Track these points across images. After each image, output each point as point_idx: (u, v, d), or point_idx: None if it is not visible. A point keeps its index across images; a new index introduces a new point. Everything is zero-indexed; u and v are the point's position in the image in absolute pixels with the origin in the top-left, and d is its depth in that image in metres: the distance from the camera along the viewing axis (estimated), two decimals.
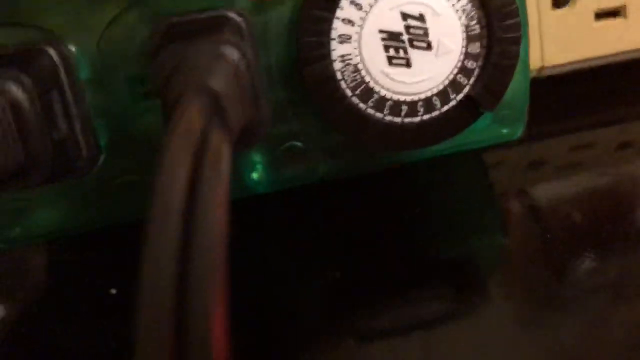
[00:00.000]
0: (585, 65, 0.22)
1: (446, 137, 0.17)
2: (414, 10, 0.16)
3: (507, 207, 0.21)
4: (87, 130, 0.16)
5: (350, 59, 0.16)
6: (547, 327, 0.16)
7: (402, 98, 0.17)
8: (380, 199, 0.21)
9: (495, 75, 0.17)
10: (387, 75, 0.16)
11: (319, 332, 0.17)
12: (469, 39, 0.16)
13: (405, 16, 0.16)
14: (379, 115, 0.17)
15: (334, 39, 0.16)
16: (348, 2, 0.16)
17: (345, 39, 0.16)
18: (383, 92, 0.17)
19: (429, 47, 0.16)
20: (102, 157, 0.17)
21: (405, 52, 0.16)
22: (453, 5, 0.16)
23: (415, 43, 0.16)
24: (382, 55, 0.16)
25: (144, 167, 0.17)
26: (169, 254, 0.09)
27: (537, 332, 0.16)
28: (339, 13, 0.16)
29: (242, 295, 0.12)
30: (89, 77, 0.16)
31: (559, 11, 0.21)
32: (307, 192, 0.20)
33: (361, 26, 0.16)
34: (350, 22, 0.16)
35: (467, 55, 0.17)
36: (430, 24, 0.16)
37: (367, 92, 0.16)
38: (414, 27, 0.16)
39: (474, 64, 0.17)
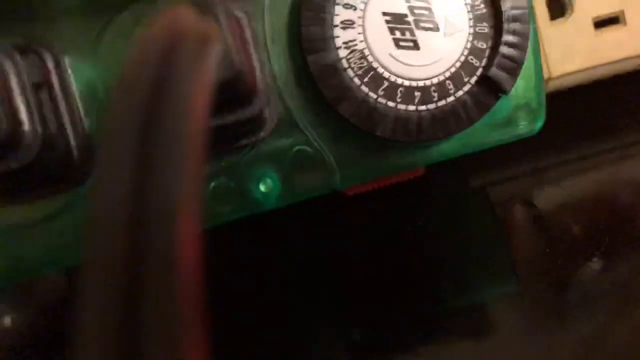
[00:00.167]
0: (591, 74, 0.21)
1: (465, 125, 0.16)
2: None
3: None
4: (79, 134, 0.14)
5: (356, 45, 0.15)
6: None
7: (413, 83, 0.16)
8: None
9: (508, 55, 0.16)
10: (395, 58, 0.16)
11: None
12: (476, 18, 0.16)
13: None
14: (391, 103, 0.16)
15: (336, 26, 0.15)
16: None
17: (348, 24, 0.15)
18: (393, 78, 0.16)
19: (435, 27, 0.16)
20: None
21: (412, 33, 0.16)
22: None
23: (421, 24, 0.16)
24: (389, 39, 0.16)
25: None
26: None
27: None
28: None
29: None
30: (83, 86, 0.15)
31: (558, 23, 0.21)
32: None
33: (363, 10, 0.15)
34: (351, 6, 0.15)
35: (476, 36, 0.16)
36: (434, 3, 0.16)
37: (377, 79, 0.16)
38: (418, 7, 0.16)
39: (484, 45, 0.16)
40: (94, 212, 0.07)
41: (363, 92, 0.16)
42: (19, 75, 0.12)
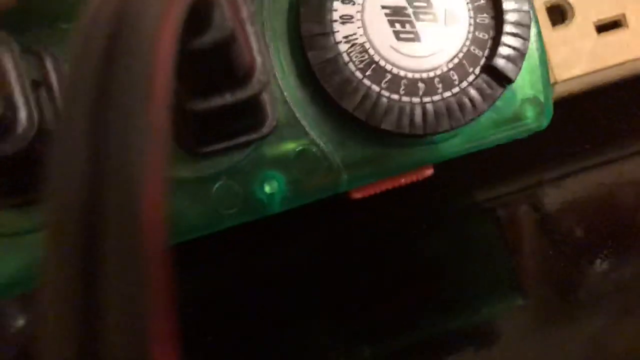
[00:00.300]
0: (597, 78, 0.21)
1: (472, 116, 0.16)
2: None
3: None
4: None
5: (356, 39, 0.15)
6: None
7: (417, 75, 0.16)
8: None
9: (510, 44, 0.16)
10: (397, 50, 0.15)
11: None
12: (476, 9, 0.16)
13: None
14: (395, 96, 0.15)
15: (335, 21, 0.15)
16: None
17: (347, 19, 0.15)
18: (395, 70, 0.15)
19: (435, 19, 0.16)
20: None
21: (412, 25, 0.16)
22: None
23: (420, 16, 0.16)
24: (389, 31, 0.15)
25: None
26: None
27: None
28: None
29: None
30: None
31: (559, 28, 0.21)
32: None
33: (362, 4, 0.15)
34: (350, 1, 0.15)
35: (477, 26, 0.16)
36: None
37: (379, 72, 0.15)
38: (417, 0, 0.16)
39: (486, 35, 0.16)
40: (49, 174, 0.07)
41: (365, 85, 0.15)
42: (16, 65, 0.12)
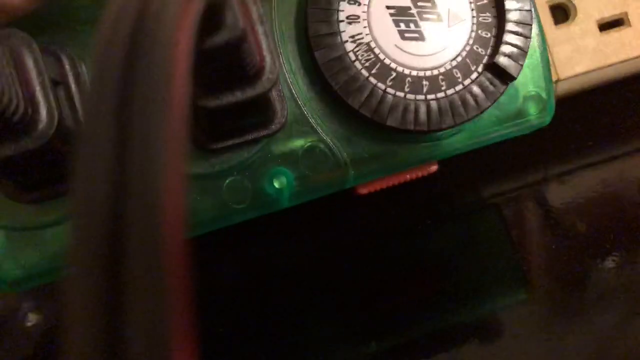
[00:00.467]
0: (600, 76, 0.21)
1: (476, 113, 0.16)
2: None
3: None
4: None
5: (362, 38, 0.16)
6: None
7: (421, 73, 0.16)
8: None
9: (512, 42, 0.16)
10: (401, 49, 0.16)
11: None
12: (479, 9, 0.16)
13: None
14: (400, 93, 0.16)
15: (342, 21, 0.16)
16: None
17: (353, 19, 0.16)
18: (400, 69, 0.16)
19: (439, 18, 0.16)
20: None
21: (417, 25, 0.16)
22: None
23: (424, 15, 0.16)
24: (394, 31, 0.16)
25: None
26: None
27: None
28: None
29: None
30: None
31: (562, 27, 0.21)
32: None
33: (368, 5, 0.16)
34: (356, 2, 0.16)
35: (480, 25, 0.16)
36: None
37: (384, 70, 0.16)
38: (420, 0, 0.16)
39: (489, 34, 0.16)
40: (74, 189, 0.07)
41: (372, 83, 0.16)
42: (36, 63, 0.13)
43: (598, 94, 0.22)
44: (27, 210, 0.15)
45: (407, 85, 0.16)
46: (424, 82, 0.16)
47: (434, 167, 0.18)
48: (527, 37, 0.16)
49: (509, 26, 0.16)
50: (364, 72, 0.16)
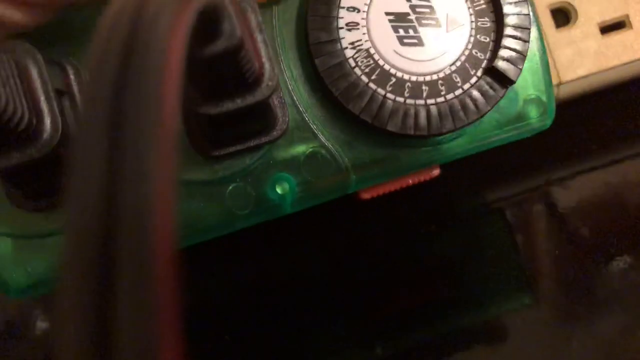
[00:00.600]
0: (602, 79, 0.21)
1: (475, 117, 0.16)
2: None
3: None
4: None
5: (361, 45, 0.16)
6: None
7: (420, 78, 0.16)
8: None
9: (511, 46, 0.16)
10: (401, 55, 0.16)
11: None
12: (477, 13, 0.16)
13: None
14: (400, 99, 0.16)
15: (341, 28, 0.16)
16: None
17: (353, 26, 0.16)
18: (400, 74, 0.16)
19: (437, 23, 0.16)
20: None
21: (415, 30, 0.16)
22: None
23: (423, 21, 0.16)
24: (393, 37, 0.16)
25: None
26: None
27: None
28: (343, 2, 0.16)
29: None
30: None
31: (563, 30, 0.21)
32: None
33: (366, 11, 0.16)
34: (355, 9, 0.16)
35: (479, 30, 0.16)
36: (434, 1, 0.16)
37: (384, 76, 0.16)
38: (419, 6, 0.16)
39: (487, 38, 0.16)
40: (67, 202, 0.08)
41: (371, 89, 0.16)
42: (41, 74, 0.13)
43: (601, 97, 0.22)
44: (33, 218, 0.15)
45: (406, 90, 0.16)
46: (424, 87, 0.16)
47: (437, 172, 0.18)
48: (526, 41, 0.16)
49: (508, 30, 0.16)
50: (364, 78, 0.16)
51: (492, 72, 0.16)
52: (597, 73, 0.21)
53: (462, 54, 0.16)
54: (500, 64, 0.16)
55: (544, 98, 0.17)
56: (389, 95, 0.16)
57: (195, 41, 0.11)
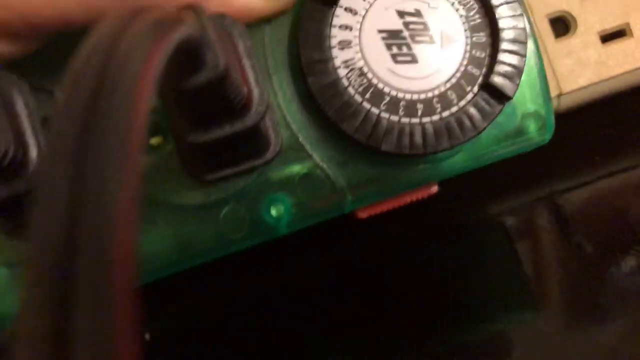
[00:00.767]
0: (603, 88, 0.21)
1: (472, 134, 0.16)
2: (409, 7, 0.16)
3: None
4: None
5: (354, 63, 0.16)
6: None
7: (415, 96, 0.16)
8: None
9: (507, 61, 0.16)
10: (394, 73, 0.16)
11: None
12: (472, 29, 0.16)
13: (401, 14, 0.16)
14: (394, 117, 0.16)
15: (334, 47, 0.16)
16: (343, 9, 0.16)
17: (345, 44, 0.16)
18: (394, 92, 0.16)
19: (431, 40, 0.16)
20: None
21: (409, 48, 0.16)
22: None
23: (417, 38, 0.16)
24: (386, 55, 0.16)
25: None
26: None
27: None
28: (335, 21, 0.16)
29: None
30: None
31: (563, 40, 0.21)
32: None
33: (359, 30, 0.16)
34: (347, 27, 0.16)
35: (474, 46, 0.16)
36: (428, 17, 0.16)
37: (378, 95, 0.16)
38: (412, 22, 0.16)
39: (483, 54, 0.16)
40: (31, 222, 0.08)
41: (365, 108, 0.16)
42: (27, 106, 0.13)
43: (602, 107, 0.21)
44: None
45: (401, 108, 0.16)
46: (419, 105, 0.16)
47: (435, 189, 0.18)
48: (522, 55, 0.16)
49: (504, 45, 0.16)
50: (358, 97, 0.16)
51: (489, 88, 0.16)
52: (598, 83, 0.21)
53: (458, 70, 0.16)
54: (497, 80, 0.16)
55: (542, 112, 0.17)
56: (383, 114, 0.16)
57: (178, 72, 0.11)
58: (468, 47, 0.16)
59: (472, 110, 0.16)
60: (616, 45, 0.21)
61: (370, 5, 0.16)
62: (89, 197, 0.07)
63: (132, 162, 0.07)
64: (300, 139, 0.16)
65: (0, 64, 0.13)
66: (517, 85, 0.16)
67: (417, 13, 0.16)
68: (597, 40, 0.21)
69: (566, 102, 0.21)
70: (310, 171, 0.16)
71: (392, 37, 0.16)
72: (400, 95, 0.16)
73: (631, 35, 0.21)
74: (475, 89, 0.16)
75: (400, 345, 0.18)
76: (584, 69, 0.21)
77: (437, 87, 0.16)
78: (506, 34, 0.16)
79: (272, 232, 0.16)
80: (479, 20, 0.16)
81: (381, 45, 0.16)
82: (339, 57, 0.16)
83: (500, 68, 0.16)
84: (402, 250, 0.20)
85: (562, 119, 0.19)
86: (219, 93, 0.12)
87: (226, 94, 0.12)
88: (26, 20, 0.13)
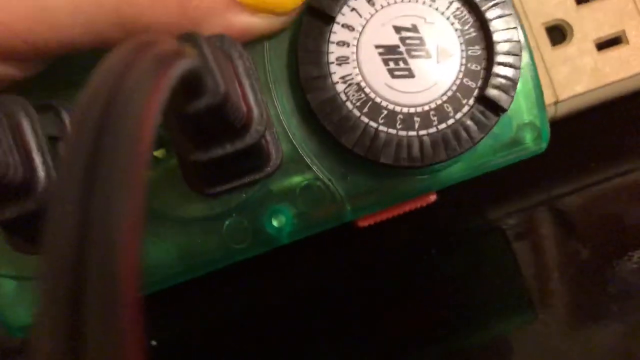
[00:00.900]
0: (599, 95, 0.21)
1: (468, 146, 0.16)
2: (405, 23, 0.16)
3: None
4: None
5: (352, 79, 0.16)
6: None
7: (412, 110, 0.16)
8: None
9: (502, 74, 0.16)
10: (391, 87, 0.16)
11: None
12: (467, 42, 0.16)
13: (398, 29, 0.16)
14: (392, 131, 0.16)
15: (332, 63, 0.16)
16: (340, 25, 0.16)
17: (343, 60, 0.16)
18: (391, 106, 0.16)
19: (428, 55, 0.16)
20: None
21: (406, 62, 0.16)
22: (443, 13, 0.16)
23: (413, 53, 0.16)
24: (383, 70, 0.16)
25: None
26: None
27: None
28: (332, 37, 0.16)
29: None
30: None
31: (559, 47, 0.21)
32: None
33: (356, 45, 0.16)
34: (345, 43, 0.16)
35: (469, 59, 0.16)
36: (424, 32, 0.16)
37: (375, 109, 0.16)
38: (408, 38, 0.16)
39: (478, 66, 0.16)
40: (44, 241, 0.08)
41: (363, 122, 0.16)
42: (33, 126, 0.13)
43: (599, 114, 0.22)
44: (35, 260, 0.16)
45: (398, 122, 0.16)
46: (416, 118, 0.16)
47: (433, 197, 0.18)
48: (517, 67, 0.16)
49: (498, 58, 0.16)
50: (356, 112, 0.16)
51: (484, 100, 0.16)
52: (594, 90, 0.21)
53: (454, 83, 0.16)
54: (492, 92, 0.16)
55: (537, 123, 0.17)
56: (381, 127, 0.16)
57: (179, 99, 0.11)
58: (464, 61, 0.16)
59: (469, 122, 0.16)
60: (612, 53, 0.21)
61: (367, 21, 0.16)
62: (97, 222, 0.08)
63: (136, 189, 0.08)
64: (301, 152, 0.17)
65: (5, 86, 0.14)
66: (512, 97, 0.16)
67: (414, 28, 0.16)
68: (593, 47, 0.21)
69: (563, 109, 0.21)
70: (311, 183, 0.17)
71: (389, 53, 0.16)
72: (398, 109, 0.16)
73: (627, 42, 0.21)
74: (471, 101, 0.16)
75: (401, 351, 0.19)
76: (580, 76, 0.21)
77: (434, 100, 0.16)
78: (501, 47, 0.16)
79: (274, 242, 0.17)
80: (474, 34, 0.16)
81: (378, 60, 0.16)
82: (337, 72, 0.16)
83: (495, 81, 0.16)
84: (402, 256, 0.20)
85: (559, 126, 0.20)
86: (219, 116, 0.12)
87: (226, 116, 0.12)
88: (31, 44, 0.13)
